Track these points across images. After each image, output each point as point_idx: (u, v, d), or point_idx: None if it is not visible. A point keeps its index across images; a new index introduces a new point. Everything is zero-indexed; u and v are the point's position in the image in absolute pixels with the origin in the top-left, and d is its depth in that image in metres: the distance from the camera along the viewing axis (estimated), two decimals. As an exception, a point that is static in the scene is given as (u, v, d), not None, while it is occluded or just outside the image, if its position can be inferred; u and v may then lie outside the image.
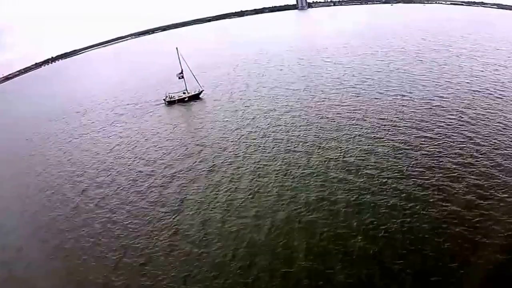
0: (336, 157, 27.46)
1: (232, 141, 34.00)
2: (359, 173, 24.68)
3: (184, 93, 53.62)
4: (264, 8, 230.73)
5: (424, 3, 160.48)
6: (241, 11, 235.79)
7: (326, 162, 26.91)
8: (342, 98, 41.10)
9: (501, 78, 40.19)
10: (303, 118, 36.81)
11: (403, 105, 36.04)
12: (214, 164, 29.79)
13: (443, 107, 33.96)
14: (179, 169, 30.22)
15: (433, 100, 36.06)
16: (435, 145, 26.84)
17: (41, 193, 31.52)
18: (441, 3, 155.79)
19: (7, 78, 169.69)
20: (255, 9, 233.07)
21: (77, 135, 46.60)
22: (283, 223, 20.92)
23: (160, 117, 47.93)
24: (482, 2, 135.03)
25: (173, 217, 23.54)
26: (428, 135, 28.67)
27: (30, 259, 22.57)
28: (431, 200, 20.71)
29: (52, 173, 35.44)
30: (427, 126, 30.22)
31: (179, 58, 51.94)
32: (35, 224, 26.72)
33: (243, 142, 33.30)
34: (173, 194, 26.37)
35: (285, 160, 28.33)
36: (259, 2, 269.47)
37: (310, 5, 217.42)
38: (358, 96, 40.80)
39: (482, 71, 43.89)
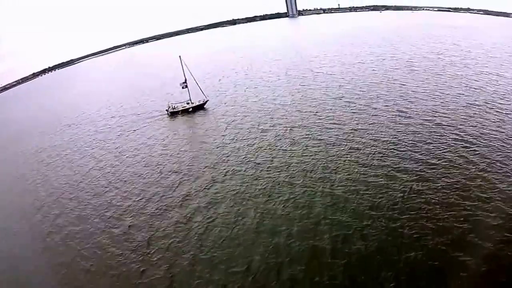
0: (324, 185, 25.30)
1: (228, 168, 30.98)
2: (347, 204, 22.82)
3: (188, 103, 51.32)
4: (256, 16, 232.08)
5: (412, 10, 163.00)
6: (233, 19, 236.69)
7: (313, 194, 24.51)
8: (335, 113, 39.33)
9: (498, 89, 39.59)
10: (287, 137, 34.93)
11: (400, 123, 34.00)
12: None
13: (443, 124, 32.14)
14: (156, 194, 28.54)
15: (433, 116, 34.13)
16: (438, 171, 24.88)
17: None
18: (429, 9, 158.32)
19: (5, 88, 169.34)
20: (246, 18, 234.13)
21: (65, 151, 44.47)
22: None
23: (160, 130, 45.18)
24: (468, 8, 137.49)
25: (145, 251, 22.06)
26: (429, 158, 26.69)
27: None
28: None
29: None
30: (428, 148, 28.11)
31: (182, 67, 49.79)
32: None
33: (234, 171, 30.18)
34: (142, 226, 24.72)
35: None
36: (250, 10, 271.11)
37: (300, 13, 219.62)
38: (351, 112, 38.83)
39: (478, 81, 43.44)
